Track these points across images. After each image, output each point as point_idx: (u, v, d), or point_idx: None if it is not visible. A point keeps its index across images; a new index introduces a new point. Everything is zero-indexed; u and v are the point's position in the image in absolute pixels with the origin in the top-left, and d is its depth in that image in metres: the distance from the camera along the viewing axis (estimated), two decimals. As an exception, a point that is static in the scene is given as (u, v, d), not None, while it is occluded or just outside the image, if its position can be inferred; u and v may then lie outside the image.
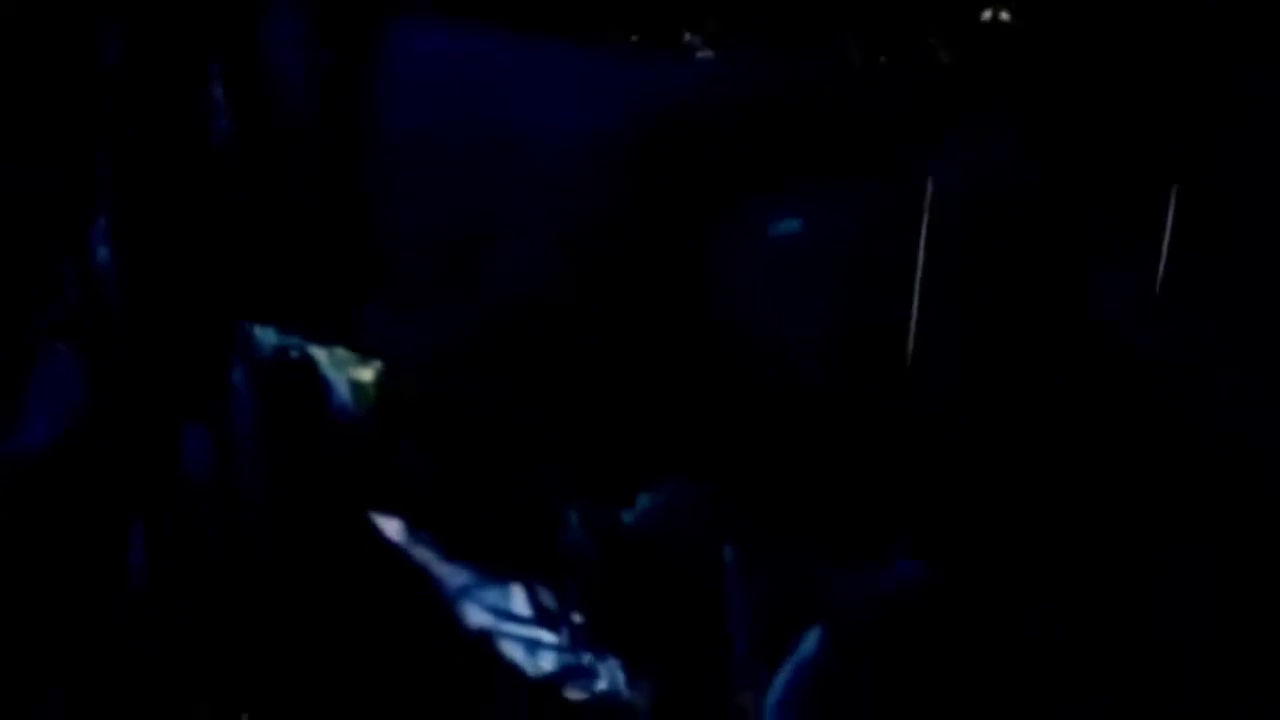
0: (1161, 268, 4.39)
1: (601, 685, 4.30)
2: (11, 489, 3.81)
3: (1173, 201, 4.40)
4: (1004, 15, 5.05)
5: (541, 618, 4.37)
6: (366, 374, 4.48)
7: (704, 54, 5.23)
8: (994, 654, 4.11)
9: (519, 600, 4.37)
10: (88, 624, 3.97)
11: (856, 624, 4.58)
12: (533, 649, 4.32)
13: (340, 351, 4.49)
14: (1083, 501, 4.19)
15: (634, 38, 5.29)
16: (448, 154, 5.13)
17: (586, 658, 4.33)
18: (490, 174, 5.13)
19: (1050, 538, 4.17)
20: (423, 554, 4.36)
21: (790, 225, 4.98)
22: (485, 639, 4.31)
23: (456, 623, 4.31)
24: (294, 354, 4.43)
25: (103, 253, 3.88)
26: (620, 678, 4.32)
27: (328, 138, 4.68)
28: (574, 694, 4.28)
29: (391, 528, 4.36)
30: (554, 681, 4.29)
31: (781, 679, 4.45)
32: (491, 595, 4.36)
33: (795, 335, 4.91)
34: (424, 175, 5.12)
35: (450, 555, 4.37)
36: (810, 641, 4.55)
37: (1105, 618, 4.06)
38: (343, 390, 4.43)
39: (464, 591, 4.34)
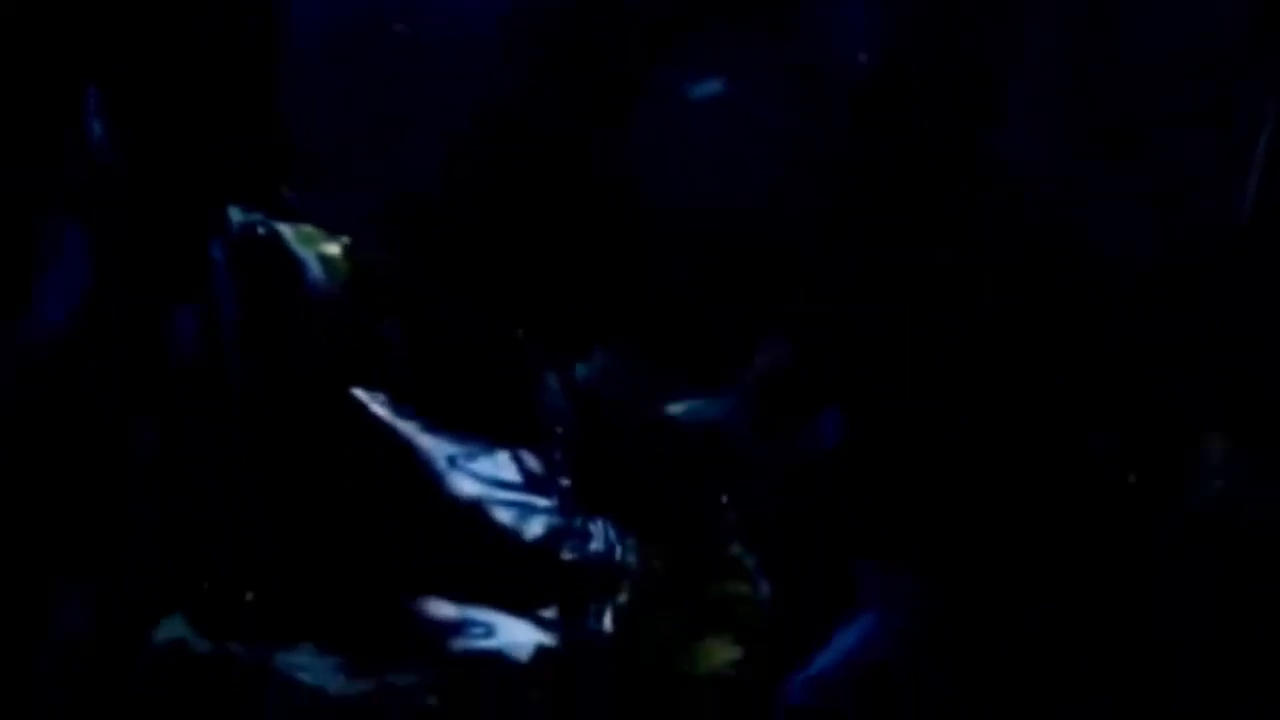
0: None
1: (595, 546, 4.38)
2: (36, 366, 3.68)
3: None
4: None
5: (531, 483, 4.41)
6: (334, 248, 4.42)
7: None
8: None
9: (507, 467, 4.41)
10: (105, 510, 3.87)
11: (778, 473, 4.75)
12: (525, 514, 4.36)
13: (305, 228, 4.42)
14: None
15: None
16: (355, 31, 5.05)
17: (578, 520, 4.40)
18: (402, 50, 5.07)
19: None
20: (408, 427, 4.35)
21: (711, 86, 5.05)
22: (477, 507, 4.33)
23: (448, 493, 4.32)
24: (261, 230, 4.34)
25: (97, 127, 3.75)
26: (613, 536, 4.40)
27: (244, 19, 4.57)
28: (568, 555, 4.34)
29: (377, 403, 4.34)
30: (548, 545, 4.34)
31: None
32: (480, 464, 4.38)
33: (727, 199, 5.01)
34: (332, 53, 5.04)
35: (436, 427, 4.37)
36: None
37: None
38: (314, 266, 4.36)
39: (453, 462, 4.35)
